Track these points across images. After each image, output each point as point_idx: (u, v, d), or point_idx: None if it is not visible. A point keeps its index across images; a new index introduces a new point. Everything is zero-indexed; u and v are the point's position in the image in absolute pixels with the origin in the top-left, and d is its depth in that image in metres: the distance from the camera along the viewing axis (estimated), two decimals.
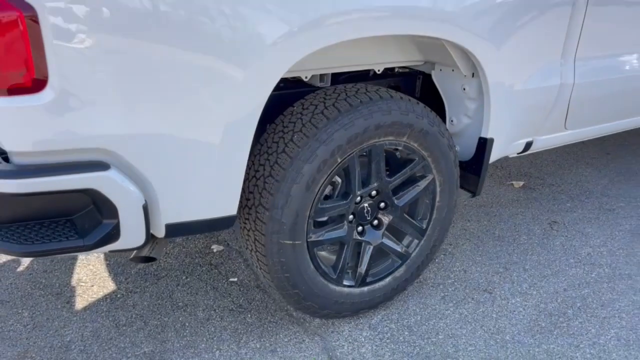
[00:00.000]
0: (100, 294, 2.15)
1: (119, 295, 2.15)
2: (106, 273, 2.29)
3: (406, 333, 1.96)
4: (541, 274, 2.31)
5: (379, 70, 2.15)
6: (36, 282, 2.22)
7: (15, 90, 1.26)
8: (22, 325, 1.97)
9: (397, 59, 2.10)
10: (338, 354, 1.86)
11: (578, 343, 1.92)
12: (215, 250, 2.46)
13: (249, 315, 2.05)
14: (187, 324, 1.99)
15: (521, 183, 3.19)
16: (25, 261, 2.36)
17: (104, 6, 1.25)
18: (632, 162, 3.53)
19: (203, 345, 1.89)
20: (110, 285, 2.21)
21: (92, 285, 2.21)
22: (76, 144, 1.34)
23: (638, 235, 2.64)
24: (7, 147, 1.35)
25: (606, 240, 2.59)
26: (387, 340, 1.92)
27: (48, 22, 1.21)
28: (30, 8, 1.20)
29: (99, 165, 1.38)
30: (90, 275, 2.27)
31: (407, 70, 2.32)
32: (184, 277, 2.27)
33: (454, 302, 2.13)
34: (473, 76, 2.01)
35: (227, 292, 2.18)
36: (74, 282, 2.23)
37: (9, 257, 2.37)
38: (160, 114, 1.38)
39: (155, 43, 1.32)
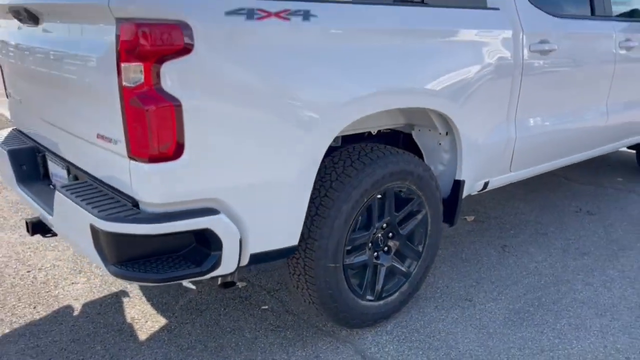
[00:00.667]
0: (156, 327, 2.53)
1: (173, 327, 2.54)
2: (154, 311, 2.67)
3: (416, 334, 2.50)
4: (504, 284, 2.95)
5: (374, 132, 2.77)
6: (95, 322, 2.56)
7: (158, 158, 1.74)
8: (100, 356, 2.32)
9: (388, 123, 2.73)
10: (369, 353, 2.37)
11: (542, 330, 2.55)
12: (240, 286, 2.91)
13: (288, 333, 2.51)
14: (240, 343, 2.43)
15: (472, 217, 3.89)
16: (77, 306, 2.69)
17: (222, 97, 1.78)
18: (552, 197, 4.36)
19: (259, 357, 2.33)
20: (162, 320, 2.59)
21: (147, 321, 2.58)
22: (197, 196, 1.83)
23: (568, 252, 3.38)
24: (144, 199, 1.80)
25: (546, 257, 3.30)
26: (403, 341, 2.45)
27: (188, 109, 1.72)
28: (177, 100, 1.70)
29: (212, 211, 1.86)
30: (141, 314, 2.64)
31: (389, 130, 2.96)
32: (222, 309, 2.69)
33: (445, 309, 2.71)
34: (447, 134, 2.68)
35: (263, 317, 2.63)
36: (129, 319, 2.59)
37: (62, 304, 2.69)
38: (255, 170, 1.91)
39: (255, 123, 1.86)
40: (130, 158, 1.78)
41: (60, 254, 3.24)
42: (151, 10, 1.66)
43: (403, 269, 2.57)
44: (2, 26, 2.58)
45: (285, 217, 2.05)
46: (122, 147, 1.80)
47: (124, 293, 2.83)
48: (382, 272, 2.50)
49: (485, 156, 2.80)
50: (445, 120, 2.58)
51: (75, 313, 2.64)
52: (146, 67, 1.67)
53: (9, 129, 3.00)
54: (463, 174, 2.71)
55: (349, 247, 2.35)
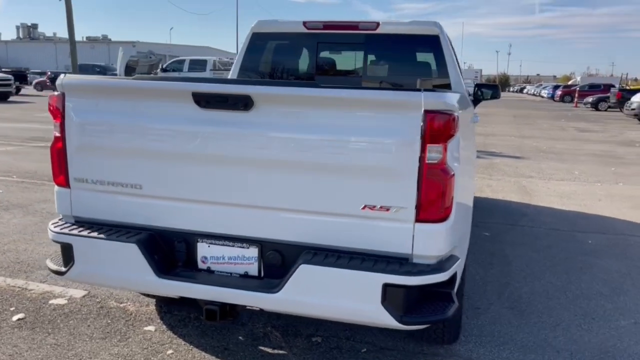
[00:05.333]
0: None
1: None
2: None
3: (483, 338, 3.27)
4: (490, 297, 3.96)
5: None
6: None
7: (441, 219, 2.17)
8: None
9: None
10: (474, 357, 3.03)
11: (540, 316, 3.64)
12: (319, 341, 3.16)
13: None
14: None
15: None
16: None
17: (460, 166, 2.33)
18: None
19: None
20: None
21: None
22: (452, 246, 2.29)
23: (512, 265, 4.61)
24: (425, 254, 2.18)
25: (500, 270, 4.46)
26: (482, 344, 3.20)
27: (455, 178, 2.22)
28: (453, 171, 2.19)
29: (456, 257, 2.33)
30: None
31: None
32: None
33: (476, 317, 3.55)
34: None
35: (367, 357, 3.00)
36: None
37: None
38: (466, 221, 2.47)
39: (467, 180, 2.45)
40: (418, 221, 2.14)
41: None
42: (445, 104, 2.13)
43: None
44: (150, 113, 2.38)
45: (465, 255, 2.63)
46: (404, 213, 2.14)
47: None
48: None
49: None
50: None
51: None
52: (444, 147, 2.12)
53: (60, 222, 2.59)
54: None
55: None
